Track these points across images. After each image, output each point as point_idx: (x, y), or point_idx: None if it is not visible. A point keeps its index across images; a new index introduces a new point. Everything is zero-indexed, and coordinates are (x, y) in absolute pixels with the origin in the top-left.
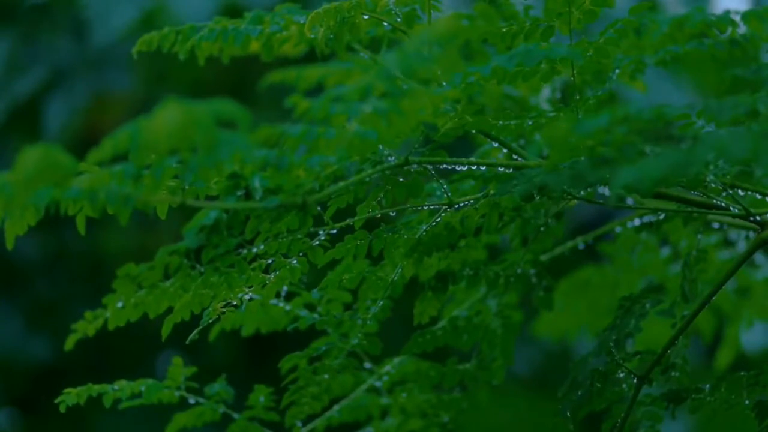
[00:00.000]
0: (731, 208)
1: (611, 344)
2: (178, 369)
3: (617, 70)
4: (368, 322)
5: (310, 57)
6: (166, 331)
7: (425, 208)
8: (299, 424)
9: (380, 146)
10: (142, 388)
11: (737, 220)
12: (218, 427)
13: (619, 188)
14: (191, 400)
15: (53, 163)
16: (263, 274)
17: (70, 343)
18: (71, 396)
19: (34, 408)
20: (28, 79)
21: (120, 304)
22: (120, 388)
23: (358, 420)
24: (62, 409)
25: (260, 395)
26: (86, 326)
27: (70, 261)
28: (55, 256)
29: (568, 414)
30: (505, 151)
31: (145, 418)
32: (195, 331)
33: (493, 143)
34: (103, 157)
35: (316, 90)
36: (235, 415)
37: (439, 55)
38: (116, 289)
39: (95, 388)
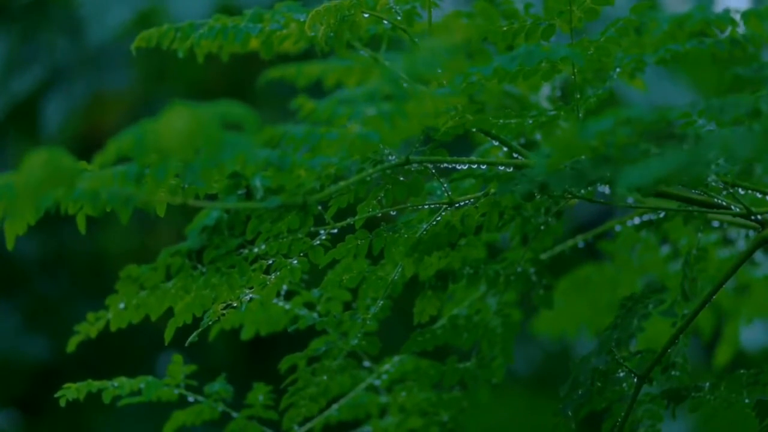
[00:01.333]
0: (732, 207)
1: (612, 344)
2: (178, 367)
3: (618, 69)
4: (368, 321)
5: (310, 55)
6: (168, 334)
7: (426, 207)
8: (296, 427)
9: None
10: (142, 386)
11: (738, 219)
12: (217, 426)
13: (624, 189)
14: (190, 399)
15: (59, 168)
16: (264, 275)
17: (72, 345)
18: (71, 391)
19: (33, 408)
20: (26, 78)
21: (122, 306)
22: (119, 385)
23: (358, 418)
24: (62, 403)
25: (259, 394)
26: (88, 328)
27: (69, 260)
28: (55, 255)
29: (570, 413)
30: (505, 149)
31: (145, 420)
32: (194, 334)
33: (494, 142)
34: (107, 160)
35: (315, 88)
36: (234, 414)
37: (447, 61)
38: (118, 290)
39: (95, 384)
